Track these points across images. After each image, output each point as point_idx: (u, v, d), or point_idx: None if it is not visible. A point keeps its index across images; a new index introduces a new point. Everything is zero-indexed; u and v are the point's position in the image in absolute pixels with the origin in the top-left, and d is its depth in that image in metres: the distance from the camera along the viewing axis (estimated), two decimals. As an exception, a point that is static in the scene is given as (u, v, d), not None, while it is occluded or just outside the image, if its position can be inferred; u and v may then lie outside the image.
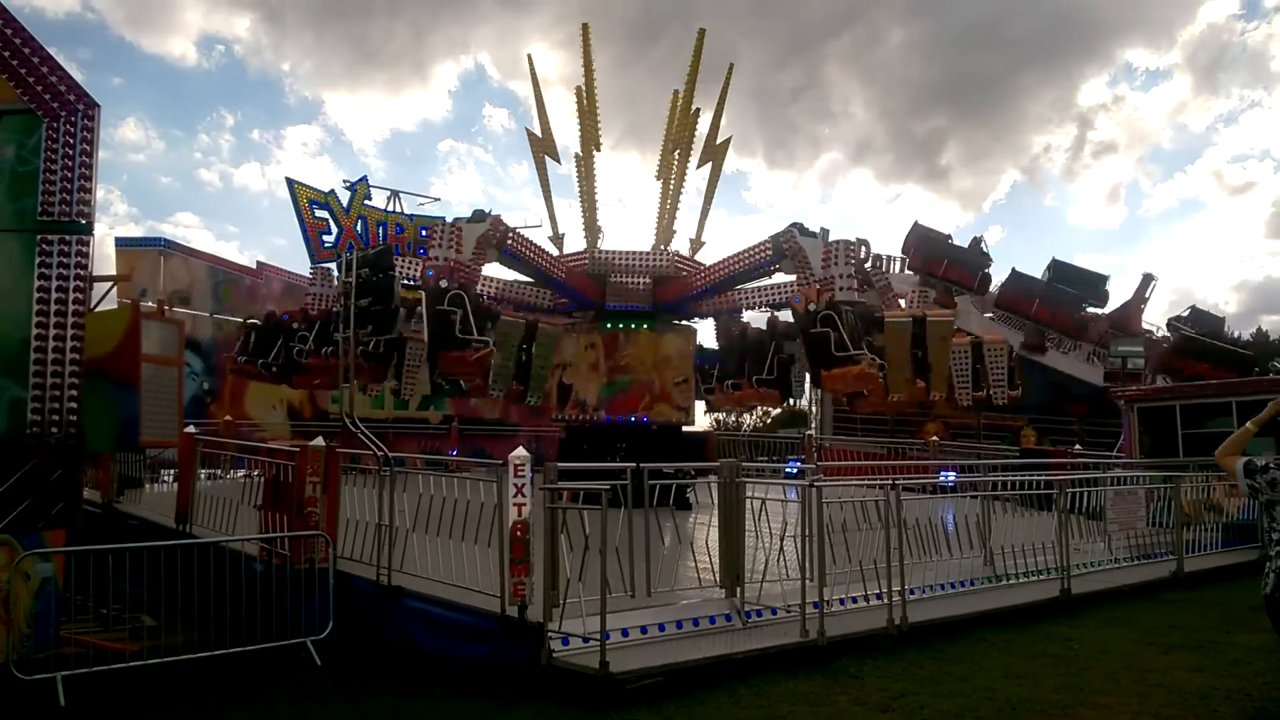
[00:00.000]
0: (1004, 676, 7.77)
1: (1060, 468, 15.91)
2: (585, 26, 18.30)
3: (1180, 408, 18.96)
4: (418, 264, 17.26)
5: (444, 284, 13.46)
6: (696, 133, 18.46)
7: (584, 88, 18.23)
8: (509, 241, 15.76)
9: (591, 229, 18.14)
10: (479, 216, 15.53)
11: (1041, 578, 10.88)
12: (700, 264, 18.35)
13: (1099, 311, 29.08)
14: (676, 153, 18.37)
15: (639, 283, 17.79)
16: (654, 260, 17.83)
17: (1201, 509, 14.49)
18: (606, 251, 17.85)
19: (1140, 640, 9.21)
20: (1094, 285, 29.10)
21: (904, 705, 6.91)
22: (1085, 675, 7.88)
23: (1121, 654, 8.62)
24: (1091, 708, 6.93)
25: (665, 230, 18.33)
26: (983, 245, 28.96)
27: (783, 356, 16.11)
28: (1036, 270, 29.64)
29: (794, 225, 15.68)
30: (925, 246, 28.89)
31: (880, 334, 14.63)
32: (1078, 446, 20.49)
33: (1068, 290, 26.67)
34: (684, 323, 18.87)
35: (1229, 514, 14.52)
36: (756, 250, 16.30)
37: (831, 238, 15.97)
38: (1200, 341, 26.23)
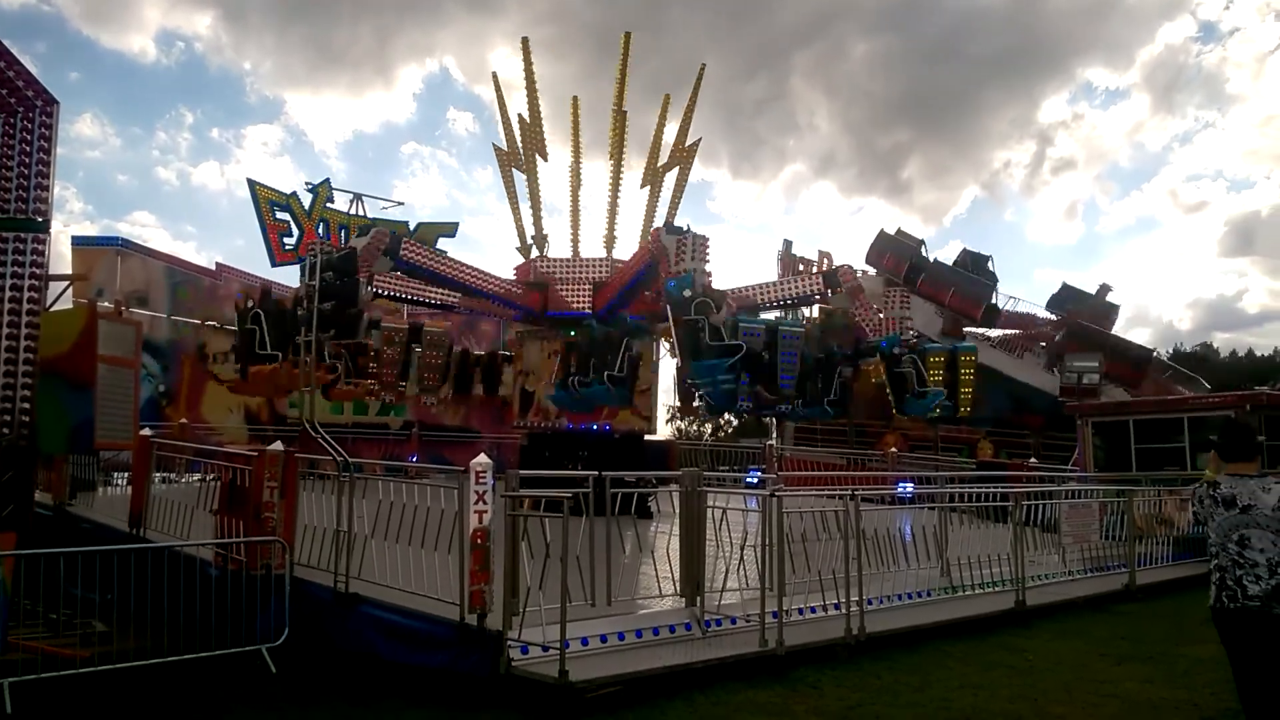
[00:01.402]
0: (960, 687, 7.86)
1: (1016, 480, 16.12)
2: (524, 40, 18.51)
3: (1134, 423, 19.28)
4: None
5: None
6: (664, 140, 18.60)
7: (526, 98, 18.35)
8: (403, 253, 15.39)
9: (539, 237, 18.20)
10: (363, 230, 15.34)
11: (997, 589, 11.01)
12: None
13: (1052, 316, 29.54)
14: (611, 159, 18.47)
15: (579, 291, 17.84)
16: (596, 268, 17.91)
17: (1153, 523, 14.75)
18: (549, 259, 17.96)
19: (1093, 651, 9.35)
20: (980, 266, 29.55)
21: (861, 715, 6.97)
22: (1039, 686, 7.99)
23: (1075, 665, 8.75)
24: (1045, 718, 7.03)
25: (608, 237, 18.36)
26: (990, 264, 29.33)
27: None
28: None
29: (660, 227, 15.77)
30: (884, 247, 29.15)
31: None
32: (1033, 460, 20.76)
33: (979, 280, 27.09)
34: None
35: (1180, 528, 14.78)
36: (806, 282, 16.84)
37: (795, 249, 16.30)
38: (1093, 332, 26.75)
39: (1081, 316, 28.74)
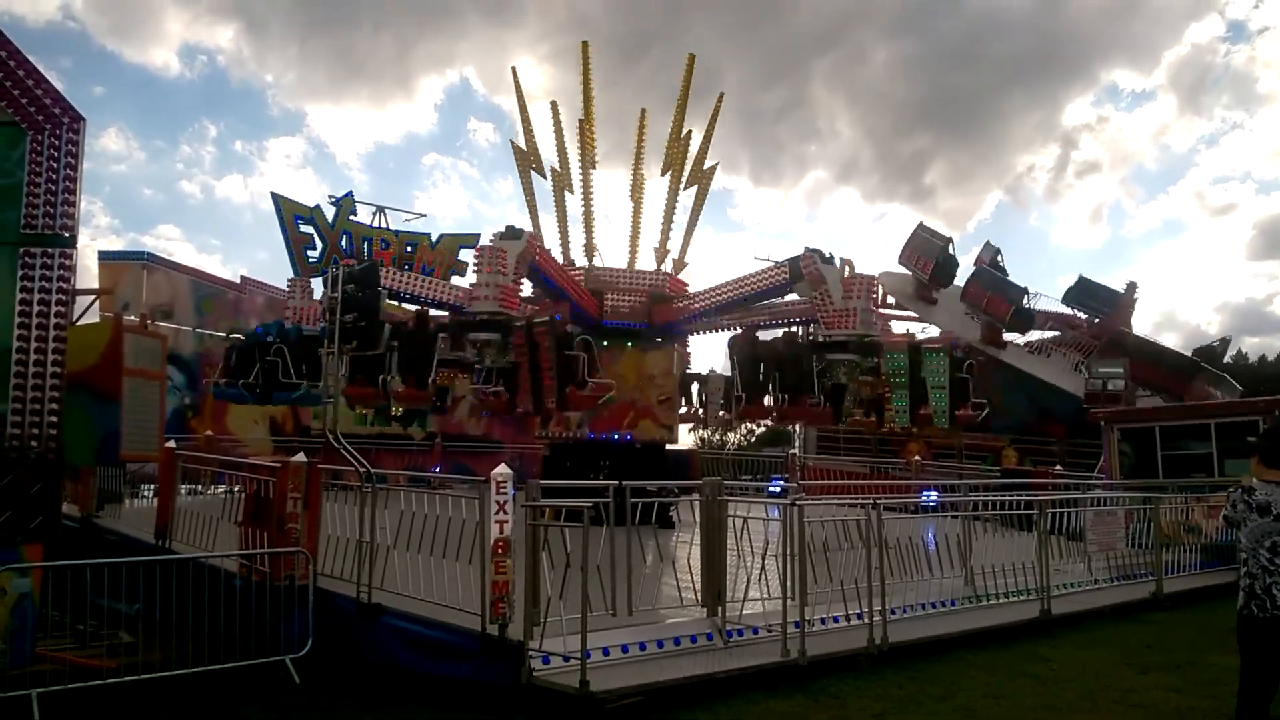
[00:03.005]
0: (983, 696, 7.80)
1: (1041, 488, 16.00)
2: (585, 45, 18.53)
3: (1160, 429, 19.10)
4: (404, 277, 17.28)
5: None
6: (687, 153, 18.66)
7: (583, 104, 18.36)
8: (536, 258, 15.72)
9: (590, 246, 18.24)
10: (514, 234, 15.41)
11: (1022, 598, 10.92)
12: (683, 283, 18.49)
13: (1069, 312, 29.32)
14: (669, 173, 18.55)
15: (635, 301, 17.88)
16: (651, 280, 17.98)
17: (1180, 530, 14.59)
18: (606, 269, 18.00)
19: (1119, 661, 9.25)
20: (1113, 301, 29.37)
21: (884, 725, 6.93)
22: (1064, 695, 7.92)
23: (1100, 674, 8.66)
24: (1071, 728, 6.97)
25: (660, 251, 18.46)
26: (999, 259, 29.14)
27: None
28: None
29: (814, 251, 15.89)
30: (916, 245, 29.08)
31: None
32: (1058, 467, 20.59)
33: (1014, 285, 26.94)
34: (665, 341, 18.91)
35: (1208, 535, 14.61)
36: (771, 273, 16.59)
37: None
38: (1143, 342, 26.54)
39: (1099, 310, 28.54)
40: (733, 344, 17.53)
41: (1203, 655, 9.34)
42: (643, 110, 18.62)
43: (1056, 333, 29.36)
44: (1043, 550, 10.96)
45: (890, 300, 30.08)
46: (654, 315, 17.89)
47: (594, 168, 18.37)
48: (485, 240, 17.86)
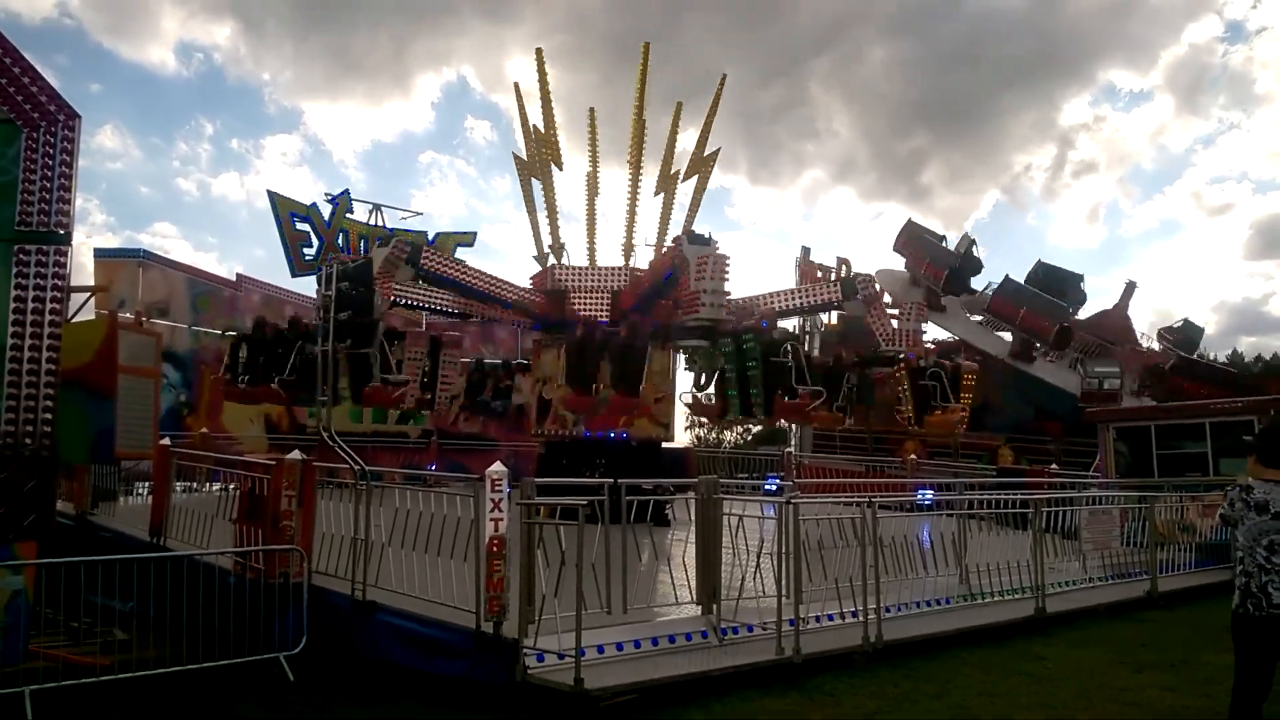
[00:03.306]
0: (978, 695, 7.81)
1: (1036, 487, 16.02)
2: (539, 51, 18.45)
3: (1155, 428, 19.13)
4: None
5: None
6: (679, 150, 18.60)
7: (541, 110, 18.33)
8: (424, 262, 15.44)
9: (556, 245, 18.18)
10: (384, 240, 15.41)
11: (1016, 596, 10.92)
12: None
13: (1078, 317, 29.22)
14: (630, 169, 18.46)
15: (598, 300, 17.79)
16: (615, 277, 17.88)
17: (1175, 529, 14.61)
18: (567, 268, 17.94)
19: (1114, 659, 9.27)
20: (1068, 284, 29.21)
21: (878, 723, 6.94)
22: (1059, 694, 7.93)
23: (1095, 673, 8.68)
24: (1064, 726, 6.97)
25: (627, 246, 18.35)
26: (975, 250, 29.04)
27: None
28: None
29: (685, 233, 15.68)
30: (914, 245, 29.05)
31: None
32: (1054, 466, 20.61)
33: (1054, 301, 26.75)
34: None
35: (1202, 534, 14.64)
36: (665, 259, 16.41)
37: (813, 256, 16.25)
38: (1196, 364, 26.40)
39: (1060, 296, 28.34)
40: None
41: (1197, 654, 9.35)
42: (639, 113, 18.51)
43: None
44: (1038, 549, 10.97)
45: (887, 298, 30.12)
46: (615, 311, 17.79)
47: (560, 169, 18.36)
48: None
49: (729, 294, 15.17)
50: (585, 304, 17.54)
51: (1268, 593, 5.37)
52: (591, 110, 18.38)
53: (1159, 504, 13.91)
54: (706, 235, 15.11)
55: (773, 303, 17.56)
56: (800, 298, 17.85)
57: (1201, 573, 14.01)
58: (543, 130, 18.34)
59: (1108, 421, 20.01)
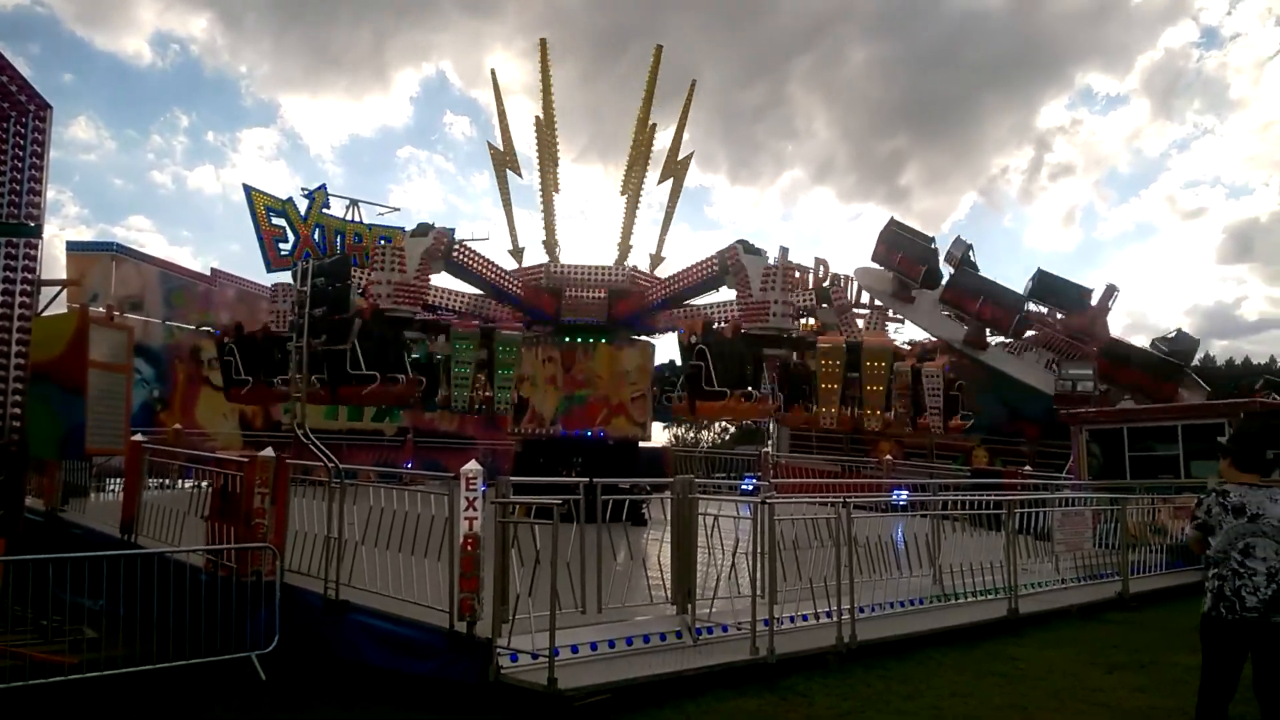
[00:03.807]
0: (951, 695, 7.85)
1: (1010, 488, 16.13)
2: (543, 41, 18.36)
3: (1128, 430, 19.31)
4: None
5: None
6: (655, 148, 18.62)
7: (542, 103, 18.27)
8: (455, 254, 15.69)
9: (550, 242, 18.14)
10: (422, 230, 15.48)
11: (989, 597, 10.99)
12: (657, 279, 18.45)
13: (1042, 311, 29.41)
14: (633, 169, 18.48)
15: (595, 297, 17.83)
16: (610, 275, 17.89)
17: (1147, 531, 14.74)
18: (564, 265, 17.89)
19: (1085, 660, 9.34)
20: (1075, 296, 29.50)
21: (851, 724, 6.95)
22: (1030, 694, 7.98)
23: (1066, 673, 8.74)
24: (1035, 727, 7.01)
25: (623, 245, 18.40)
26: (971, 254, 29.17)
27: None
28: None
29: (739, 242, 15.77)
30: (895, 243, 29.16)
31: (810, 358, 15.22)
32: (1028, 467, 20.77)
33: (1010, 290, 27.02)
34: (642, 338, 18.92)
35: (1174, 536, 14.78)
36: (703, 266, 16.38)
37: (792, 256, 16.25)
38: (1131, 348, 26.73)
39: (1061, 306, 28.69)
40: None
41: (1168, 655, 9.44)
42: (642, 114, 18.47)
43: (1033, 331, 29.50)
44: (1011, 550, 11.04)
45: (865, 298, 30.28)
46: (613, 310, 17.84)
47: (555, 165, 18.31)
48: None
49: (795, 304, 15.83)
50: (585, 302, 17.57)
51: (1241, 596, 5.40)
52: (537, 119, 18.27)
53: (1131, 506, 14.04)
54: (761, 249, 15.65)
55: (663, 289, 17.56)
56: (684, 280, 17.56)
57: (1172, 574, 14.15)
58: (544, 123, 18.23)
59: (1081, 424, 20.18)
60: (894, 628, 9.64)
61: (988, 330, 26.90)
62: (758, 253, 15.46)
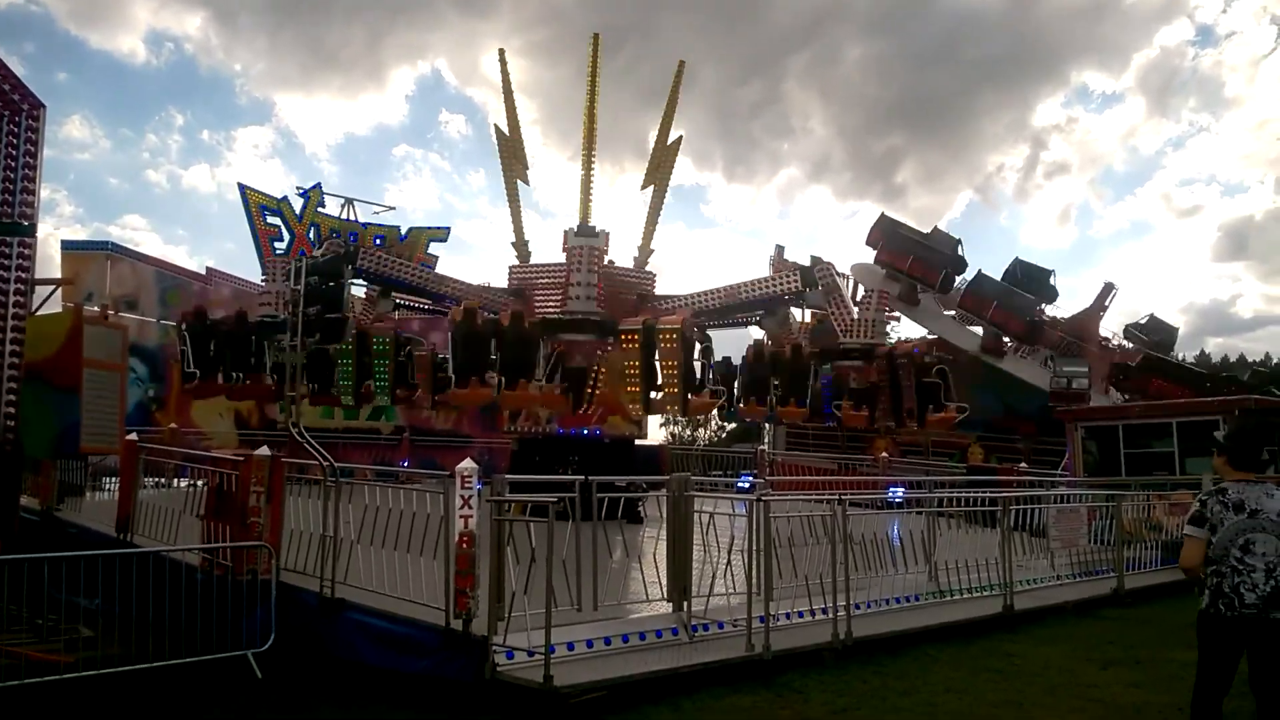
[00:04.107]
0: (946, 691, 7.85)
1: (1006, 485, 16.15)
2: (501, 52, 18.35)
3: (1123, 428, 19.34)
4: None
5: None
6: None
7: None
8: (361, 260, 15.87)
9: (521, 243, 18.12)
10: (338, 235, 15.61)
11: (985, 594, 11.01)
12: (650, 274, 18.46)
13: (1057, 315, 29.34)
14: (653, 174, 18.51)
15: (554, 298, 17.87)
16: (620, 276, 17.91)
17: (1143, 527, 14.77)
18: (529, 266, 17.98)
19: (1080, 656, 9.36)
20: (1041, 281, 29.42)
21: (846, 720, 6.97)
22: (1025, 690, 7.99)
23: (1061, 670, 8.75)
24: (1031, 723, 7.01)
25: (644, 248, 18.38)
26: (960, 249, 29.12)
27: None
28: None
29: (826, 262, 16.24)
30: (892, 241, 29.10)
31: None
32: (1023, 464, 20.79)
33: (1024, 295, 26.89)
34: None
35: (1169, 533, 14.80)
36: (778, 279, 17.08)
37: (786, 255, 16.41)
38: (1163, 361, 26.62)
39: (1030, 292, 28.58)
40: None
41: (1163, 651, 9.45)
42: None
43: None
44: (1006, 546, 11.06)
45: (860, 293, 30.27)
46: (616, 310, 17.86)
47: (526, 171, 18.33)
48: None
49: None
50: (546, 301, 17.53)
51: (1240, 593, 5.41)
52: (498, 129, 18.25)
53: (1126, 502, 14.06)
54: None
55: (734, 294, 17.67)
56: (759, 289, 17.83)
57: (1168, 570, 14.13)
58: (507, 133, 18.26)
59: (1076, 420, 20.22)
60: (889, 624, 9.65)
61: (1004, 338, 26.65)
62: (843, 275, 16.28)
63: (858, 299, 30.89)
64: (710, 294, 17.83)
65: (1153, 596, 12.87)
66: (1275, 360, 60.23)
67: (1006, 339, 26.47)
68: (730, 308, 17.91)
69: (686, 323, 15.50)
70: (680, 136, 19.04)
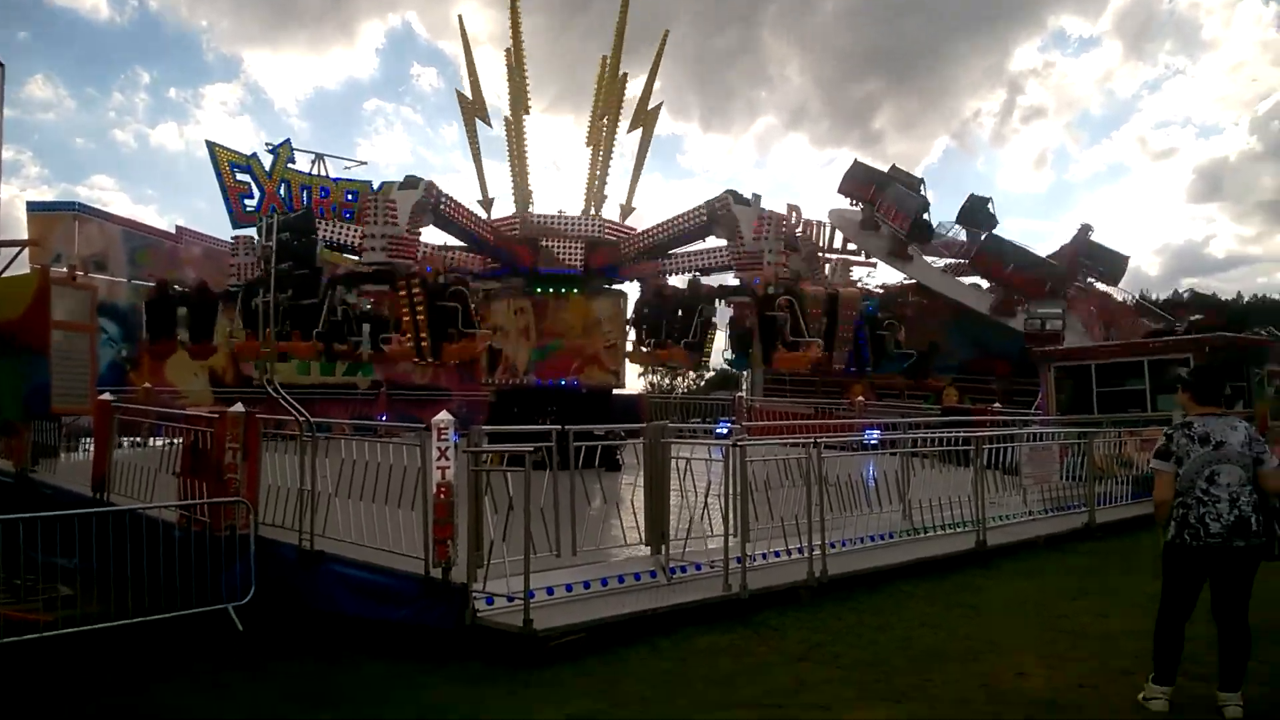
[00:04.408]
0: (920, 625, 8.00)
1: (980, 425, 16.32)
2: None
3: (1095, 367, 19.53)
4: (344, 228, 17.07)
5: (441, 279, 14.57)
6: (626, 97, 18.51)
7: (512, 49, 18.04)
8: (442, 207, 15.67)
9: (522, 193, 18.02)
10: (410, 182, 15.39)
11: (959, 531, 11.17)
12: (631, 229, 18.42)
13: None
14: (605, 119, 18.37)
15: (571, 248, 17.80)
16: (586, 225, 17.84)
17: (1114, 463, 14.98)
18: (539, 216, 17.81)
19: (1051, 588, 9.54)
20: (979, 209, 29.65)
21: (821, 654, 7.09)
22: (997, 623, 8.16)
23: (1033, 602, 8.92)
24: (1001, 653, 7.15)
25: (596, 196, 18.34)
26: (923, 189, 29.19)
27: (702, 320, 16.32)
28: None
29: (729, 192, 15.81)
30: (855, 172, 29.10)
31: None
32: (997, 405, 21.00)
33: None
34: (614, 286, 18.94)
35: (1139, 468, 15.03)
36: (691, 215, 16.42)
37: (764, 204, 16.29)
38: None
39: (976, 226, 28.82)
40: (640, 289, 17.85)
41: (1131, 581, 9.64)
42: (604, 57, 18.30)
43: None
44: (979, 484, 11.21)
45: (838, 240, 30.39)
46: (589, 260, 17.82)
47: (527, 113, 18.14)
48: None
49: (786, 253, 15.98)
50: (562, 252, 17.57)
51: (1205, 524, 5.55)
52: (508, 51, 18.11)
53: (1098, 440, 14.25)
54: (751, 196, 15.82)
55: (645, 239, 17.63)
56: (670, 229, 17.64)
57: (1137, 505, 14.36)
58: (514, 66, 18.06)
59: (1049, 361, 20.39)
60: (864, 562, 9.80)
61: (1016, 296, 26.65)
62: (747, 202, 15.51)
63: (834, 246, 31.21)
64: (649, 232, 17.73)
65: (1123, 530, 13.10)
66: (1246, 299, 60.91)
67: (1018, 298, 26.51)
68: (663, 245, 17.74)
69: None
70: (660, 103, 19.07)
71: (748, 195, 15.99)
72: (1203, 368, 6.36)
